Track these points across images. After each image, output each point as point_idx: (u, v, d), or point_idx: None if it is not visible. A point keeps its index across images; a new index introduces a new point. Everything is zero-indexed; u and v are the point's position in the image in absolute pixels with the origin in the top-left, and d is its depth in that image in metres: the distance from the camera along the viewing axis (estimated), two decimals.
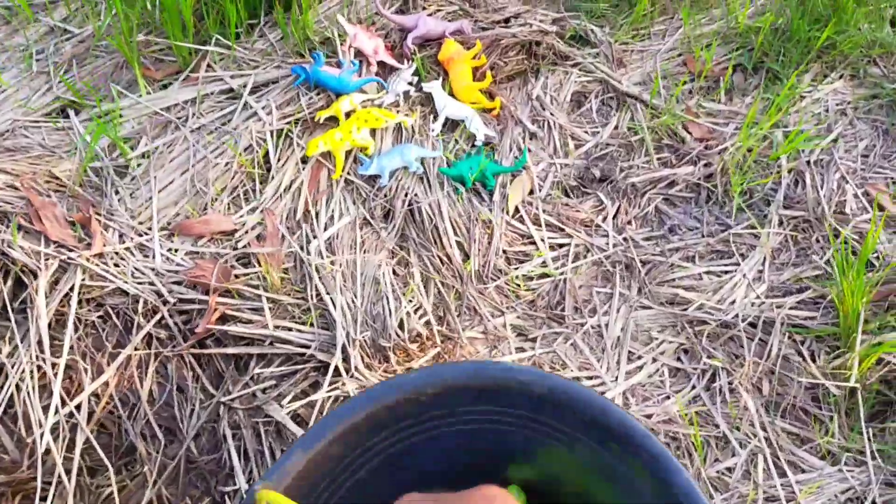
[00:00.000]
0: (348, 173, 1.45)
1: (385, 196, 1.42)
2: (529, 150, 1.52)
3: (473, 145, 1.50)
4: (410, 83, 1.51)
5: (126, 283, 1.32)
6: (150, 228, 1.38)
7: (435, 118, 1.50)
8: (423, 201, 1.40)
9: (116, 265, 1.34)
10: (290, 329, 1.32)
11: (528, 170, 1.48)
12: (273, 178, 1.43)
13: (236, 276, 1.35)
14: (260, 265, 1.36)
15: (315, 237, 1.38)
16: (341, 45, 1.51)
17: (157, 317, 1.32)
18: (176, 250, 1.37)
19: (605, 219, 1.49)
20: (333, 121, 1.46)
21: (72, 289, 1.31)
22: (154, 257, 1.36)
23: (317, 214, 1.41)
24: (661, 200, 1.52)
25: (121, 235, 1.38)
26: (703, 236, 1.49)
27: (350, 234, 1.39)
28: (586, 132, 1.58)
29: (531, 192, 1.48)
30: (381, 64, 1.53)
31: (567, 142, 1.55)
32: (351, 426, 0.66)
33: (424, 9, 1.59)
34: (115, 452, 1.26)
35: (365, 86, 1.48)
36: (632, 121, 1.59)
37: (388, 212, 1.43)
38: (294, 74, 1.46)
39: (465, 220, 1.42)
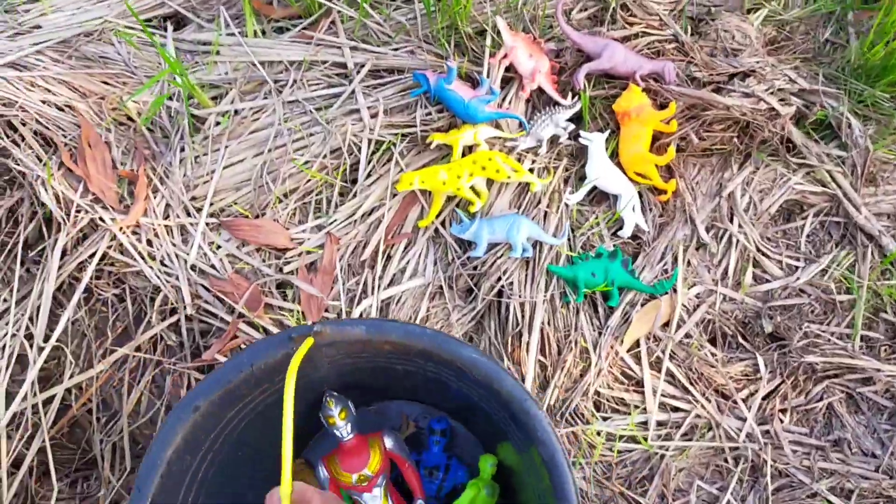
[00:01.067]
0: (442, 222, 1.13)
1: (474, 269, 1.10)
2: (688, 265, 1.12)
3: (615, 234, 1.13)
4: (565, 128, 1.13)
5: (152, 268, 1.13)
6: (199, 210, 1.16)
7: (579, 184, 1.13)
8: (516, 296, 1.08)
9: (150, 243, 1.15)
10: None
11: (674, 295, 1.10)
12: (355, 196, 1.15)
13: (268, 307, 1.11)
14: (298, 303, 1.11)
15: (373, 292, 1.10)
16: (491, 55, 1.14)
17: (173, 319, 1.13)
18: (218, 247, 1.15)
19: (751, 395, 1.09)
20: (448, 149, 1.13)
21: (93, 256, 1.14)
22: (191, 247, 1.14)
23: (387, 260, 1.13)
24: (842, 398, 1.09)
25: (167, 207, 1.17)
26: (877, 469, 1.07)
27: (414, 303, 1.11)
28: (779, 264, 1.15)
29: (665, 325, 1.10)
30: (538, 90, 1.15)
31: (746, 269, 1.13)
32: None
33: (625, 27, 1.17)
34: (78, 459, 1.13)
35: (500, 119, 1.12)
36: (850, 269, 1.14)
37: (471, 290, 1.11)
38: (415, 82, 1.13)
39: (560, 336, 1.08)
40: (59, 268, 1.13)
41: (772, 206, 1.15)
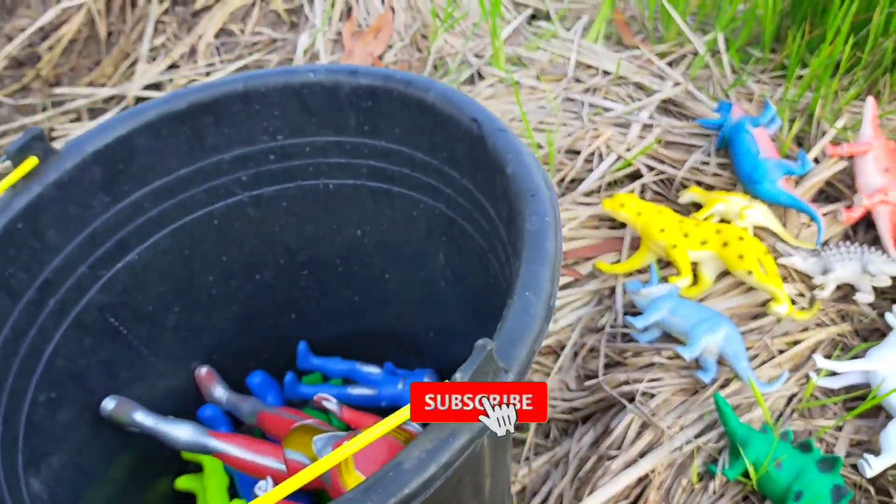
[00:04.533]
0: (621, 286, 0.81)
1: (621, 353, 0.74)
2: None
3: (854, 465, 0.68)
4: (875, 275, 0.75)
5: None
6: None
7: (838, 358, 0.71)
8: (646, 409, 0.68)
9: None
10: None
11: None
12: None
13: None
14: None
15: None
16: (833, 142, 0.83)
17: None
18: None
19: None
20: (692, 211, 0.83)
21: None
22: None
23: None
24: None
25: None
26: None
27: None
28: None
29: None
30: (864, 221, 0.79)
31: None
32: None
33: None
34: None
35: (789, 207, 0.79)
36: None
37: (590, 377, 0.75)
38: (717, 112, 0.86)
39: None
40: None
41: None
